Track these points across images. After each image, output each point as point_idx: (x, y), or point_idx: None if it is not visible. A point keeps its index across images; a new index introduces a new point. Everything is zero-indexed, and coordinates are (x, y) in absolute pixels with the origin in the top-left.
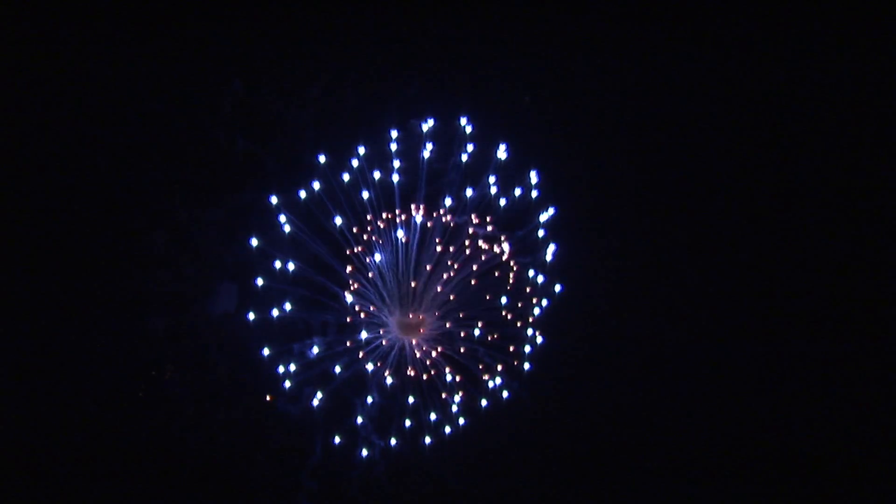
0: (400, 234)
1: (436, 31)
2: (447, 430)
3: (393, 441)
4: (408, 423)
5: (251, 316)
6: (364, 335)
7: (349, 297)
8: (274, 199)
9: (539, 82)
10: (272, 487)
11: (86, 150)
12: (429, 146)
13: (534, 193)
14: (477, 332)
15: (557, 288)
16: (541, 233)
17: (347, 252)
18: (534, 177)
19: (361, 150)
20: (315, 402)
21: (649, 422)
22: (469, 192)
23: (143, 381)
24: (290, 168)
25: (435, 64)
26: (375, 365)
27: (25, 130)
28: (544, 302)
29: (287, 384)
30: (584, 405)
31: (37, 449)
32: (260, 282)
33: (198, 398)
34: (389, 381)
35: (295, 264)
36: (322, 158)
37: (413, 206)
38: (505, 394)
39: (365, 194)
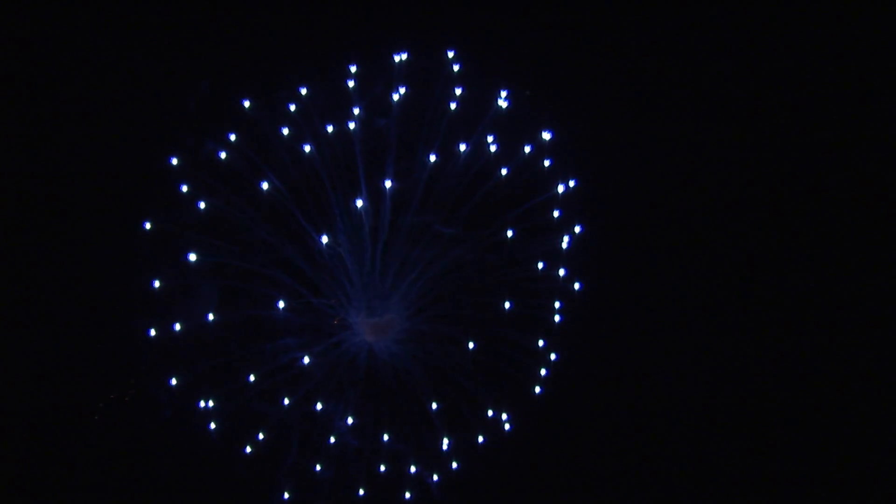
0: (360, 204)
1: None
2: (434, 478)
3: (362, 492)
4: (382, 468)
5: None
6: (308, 360)
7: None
8: (175, 161)
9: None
10: None
11: (58, 153)
12: (402, 90)
13: (546, 161)
14: (471, 345)
15: (577, 286)
16: (556, 213)
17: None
18: (546, 136)
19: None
20: (248, 450)
21: (699, 466)
22: (462, 149)
23: (103, 403)
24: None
25: None
26: (334, 395)
27: None
28: (558, 304)
29: (212, 426)
30: (612, 444)
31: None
32: (157, 284)
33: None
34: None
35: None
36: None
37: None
38: (507, 427)
39: (307, 148)
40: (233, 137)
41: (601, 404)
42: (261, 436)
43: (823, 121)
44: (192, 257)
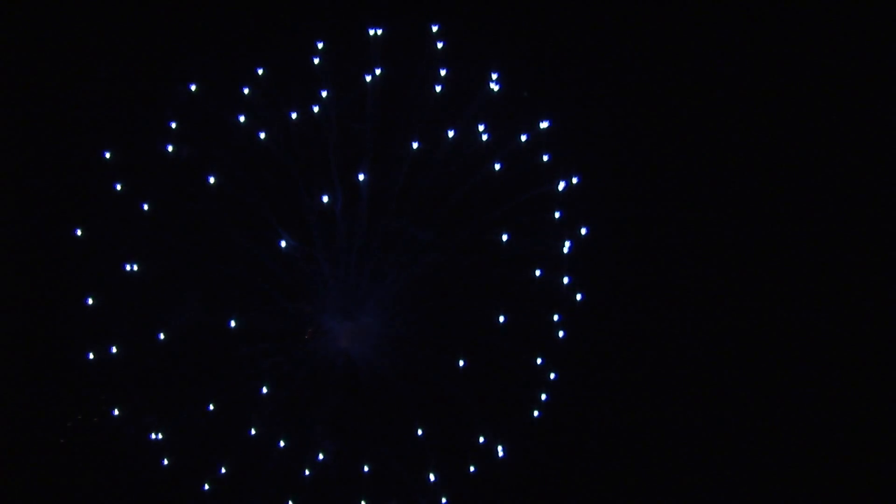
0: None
1: None
2: None
3: None
4: None
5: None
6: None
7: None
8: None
9: None
10: None
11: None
12: (377, 70)
13: (545, 154)
14: (461, 362)
15: (579, 297)
16: (556, 213)
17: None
18: (544, 126)
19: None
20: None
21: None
22: (450, 134)
23: (69, 424)
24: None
25: None
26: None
27: None
28: (558, 317)
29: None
30: (618, 473)
31: None
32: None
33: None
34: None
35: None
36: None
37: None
38: (500, 453)
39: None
40: (174, 125)
41: (606, 430)
42: (223, 470)
43: (830, 113)
44: (134, 267)
